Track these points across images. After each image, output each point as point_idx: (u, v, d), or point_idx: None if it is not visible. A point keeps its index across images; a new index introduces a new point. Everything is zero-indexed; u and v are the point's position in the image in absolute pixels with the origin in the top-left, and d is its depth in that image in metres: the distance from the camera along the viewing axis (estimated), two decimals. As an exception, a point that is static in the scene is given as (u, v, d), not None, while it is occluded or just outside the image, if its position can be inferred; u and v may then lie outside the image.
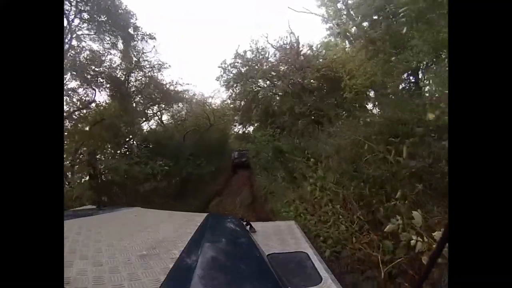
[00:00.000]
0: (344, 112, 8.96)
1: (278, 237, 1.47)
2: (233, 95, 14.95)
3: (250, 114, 15.35)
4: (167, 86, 13.11)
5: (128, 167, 7.92)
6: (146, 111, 13.08)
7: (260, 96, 14.15)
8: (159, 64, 12.00)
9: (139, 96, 12.03)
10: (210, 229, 1.44)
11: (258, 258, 1.05)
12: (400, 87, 8.00)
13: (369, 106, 9.91)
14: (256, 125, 15.84)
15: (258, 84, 13.83)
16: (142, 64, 11.37)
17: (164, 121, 16.48)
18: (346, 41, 11.55)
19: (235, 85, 14.24)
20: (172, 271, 0.87)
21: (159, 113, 15.64)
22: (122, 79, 10.50)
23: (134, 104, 11.74)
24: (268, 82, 13.53)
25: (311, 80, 11.45)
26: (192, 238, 1.18)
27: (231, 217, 1.94)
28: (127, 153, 9.92)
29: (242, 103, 15.15)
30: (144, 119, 12.86)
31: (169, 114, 16.66)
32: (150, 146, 10.95)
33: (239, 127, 19.52)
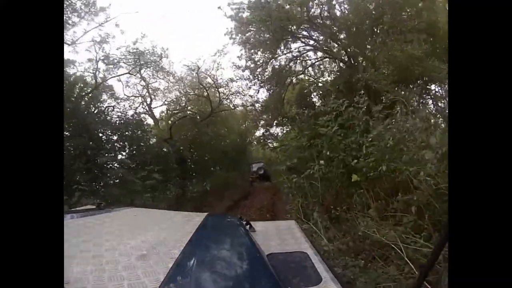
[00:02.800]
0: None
1: (278, 237, 1.47)
2: (252, 56, 8.70)
3: (280, 103, 9.30)
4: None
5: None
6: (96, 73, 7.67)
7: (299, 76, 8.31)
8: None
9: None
10: (210, 228, 1.44)
11: (258, 258, 1.05)
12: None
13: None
14: (286, 129, 9.71)
15: (297, 43, 8.04)
16: None
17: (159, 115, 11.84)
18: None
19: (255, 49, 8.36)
20: (172, 271, 0.87)
21: (146, 93, 10.39)
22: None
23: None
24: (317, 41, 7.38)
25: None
26: (192, 237, 1.18)
27: (231, 216, 1.94)
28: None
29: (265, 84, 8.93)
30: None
31: (160, 99, 11.88)
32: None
33: (260, 129, 12.79)
